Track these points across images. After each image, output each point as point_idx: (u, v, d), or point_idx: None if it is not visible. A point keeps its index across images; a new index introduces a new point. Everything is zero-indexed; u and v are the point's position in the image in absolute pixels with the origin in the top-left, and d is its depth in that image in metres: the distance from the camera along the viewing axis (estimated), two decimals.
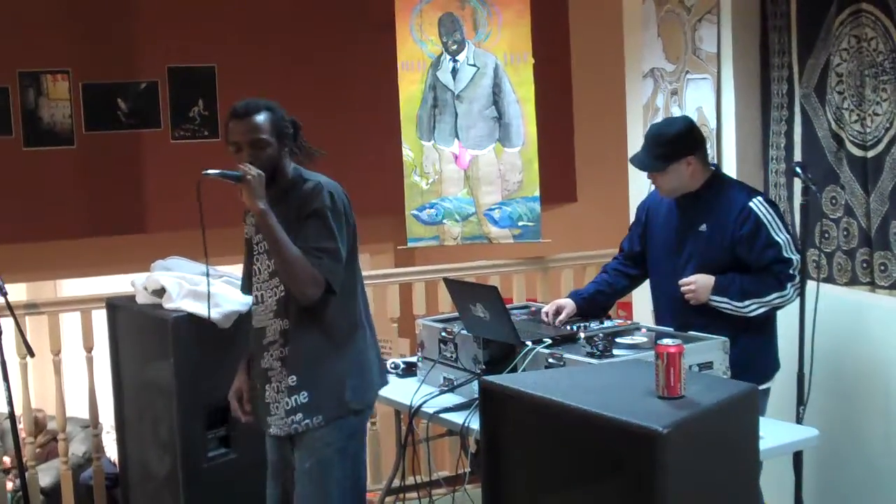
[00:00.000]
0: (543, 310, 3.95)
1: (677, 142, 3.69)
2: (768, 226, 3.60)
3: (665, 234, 3.84)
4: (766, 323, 3.73)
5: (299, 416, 3.20)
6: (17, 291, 8.48)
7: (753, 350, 3.61)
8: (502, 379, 2.75)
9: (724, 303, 3.62)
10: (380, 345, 4.42)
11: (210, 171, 3.08)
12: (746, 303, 3.60)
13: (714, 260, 3.67)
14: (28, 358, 4.43)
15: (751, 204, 3.62)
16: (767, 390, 3.67)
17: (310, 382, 3.20)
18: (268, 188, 3.13)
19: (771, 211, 3.64)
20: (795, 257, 3.61)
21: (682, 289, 3.67)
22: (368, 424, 4.75)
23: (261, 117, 3.12)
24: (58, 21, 6.70)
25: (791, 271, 3.59)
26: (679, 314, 3.71)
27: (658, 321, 3.88)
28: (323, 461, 3.21)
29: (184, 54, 6.92)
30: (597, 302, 3.97)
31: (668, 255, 3.82)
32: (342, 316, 3.22)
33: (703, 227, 3.70)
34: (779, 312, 3.76)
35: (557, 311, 3.88)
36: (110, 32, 6.82)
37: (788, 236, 3.63)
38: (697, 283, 3.64)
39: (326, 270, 3.09)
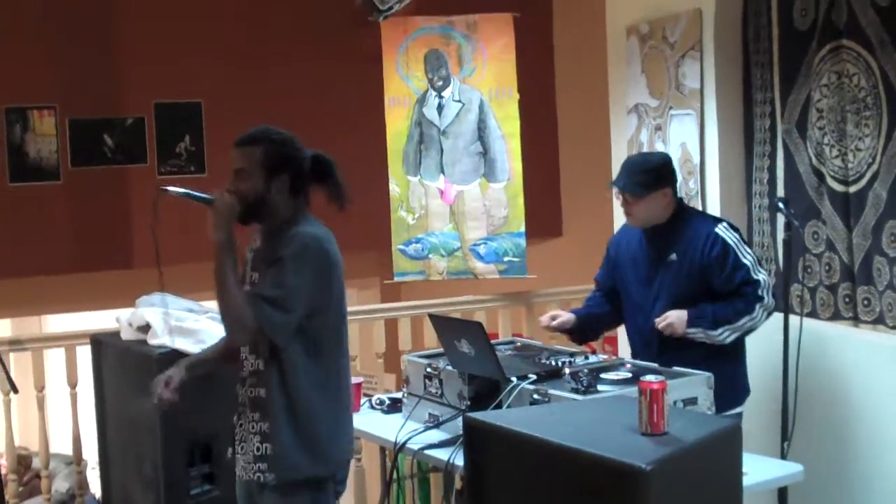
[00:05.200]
0: (541, 317, 4.13)
1: (658, 172, 3.83)
2: (735, 249, 3.72)
3: (636, 267, 3.93)
4: (736, 349, 3.80)
5: (261, 465, 3.09)
6: (2, 327, 8.46)
7: (723, 376, 3.59)
8: (486, 415, 2.74)
9: (698, 333, 3.71)
10: (365, 381, 4.44)
11: (172, 188, 3.07)
12: (719, 330, 3.69)
13: (685, 288, 3.76)
14: (12, 394, 4.41)
15: (717, 230, 3.75)
16: (739, 415, 3.72)
17: (272, 435, 3.07)
18: (259, 225, 3.12)
19: (736, 235, 3.77)
20: (762, 277, 3.71)
21: (659, 325, 3.74)
22: (352, 465, 4.69)
23: (251, 149, 3.06)
24: (44, 57, 6.70)
25: (760, 292, 3.68)
26: (653, 345, 3.79)
27: (634, 354, 3.92)
28: None
29: (170, 90, 6.93)
30: (591, 322, 4.10)
31: (639, 287, 3.91)
32: (311, 372, 3.07)
33: (673, 257, 3.81)
34: (761, 347, 3.79)
35: (554, 318, 4.04)
36: (97, 68, 6.83)
37: (753, 258, 3.75)
38: (672, 318, 3.72)
39: (263, 318, 2.95)
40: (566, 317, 4.05)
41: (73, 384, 4.77)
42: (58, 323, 8.99)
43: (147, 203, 6.61)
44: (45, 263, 6.71)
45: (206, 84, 6.93)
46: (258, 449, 3.09)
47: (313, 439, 3.08)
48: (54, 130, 6.76)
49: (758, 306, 3.68)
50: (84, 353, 4.57)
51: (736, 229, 3.82)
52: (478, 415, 2.72)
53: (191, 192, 3.07)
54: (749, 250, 3.75)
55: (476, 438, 2.62)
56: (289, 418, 3.05)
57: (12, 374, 4.29)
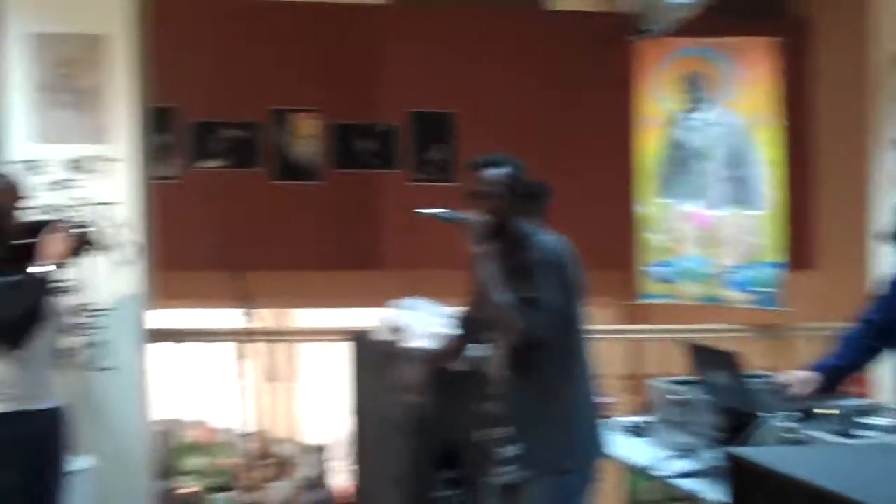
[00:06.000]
0: (782, 379, 3.81)
1: None
2: None
3: None
4: None
5: (513, 466, 3.26)
6: (261, 318, 8.87)
7: None
8: (754, 453, 2.69)
9: None
10: (607, 401, 4.44)
11: (441, 212, 3.34)
12: None
13: None
14: (266, 383, 4.64)
15: None
16: None
17: (525, 434, 3.25)
18: (496, 240, 3.28)
19: None
20: None
21: None
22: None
23: (493, 172, 3.30)
24: (308, 64, 7.04)
25: None
26: None
27: None
28: None
29: (425, 100, 7.14)
30: (842, 375, 3.86)
31: None
32: (556, 370, 3.26)
33: None
34: None
35: (795, 382, 3.77)
36: (357, 76, 7.11)
37: None
38: None
39: (526, 318, 3.15)
40: (805, 378, 3.68)
41: (325, 378, 4.97)
42: (304, 317, 9.37)
43: (398, 207, 6.81)
44: (301, 259, 7.02)
45: (461, 97, 7.10)
46: (506, 453, 3.26)
47: (555, 436, 3.25)
48: (315, 133, 7.09)
49: None
50: (335, 349, 4.76)
51: None
52: (742, 451, 2.67)
53: (453, 214, 3.34)
54: None
55: (742, 475, 2.57)
56: (532, 417, 3.24)
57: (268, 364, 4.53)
